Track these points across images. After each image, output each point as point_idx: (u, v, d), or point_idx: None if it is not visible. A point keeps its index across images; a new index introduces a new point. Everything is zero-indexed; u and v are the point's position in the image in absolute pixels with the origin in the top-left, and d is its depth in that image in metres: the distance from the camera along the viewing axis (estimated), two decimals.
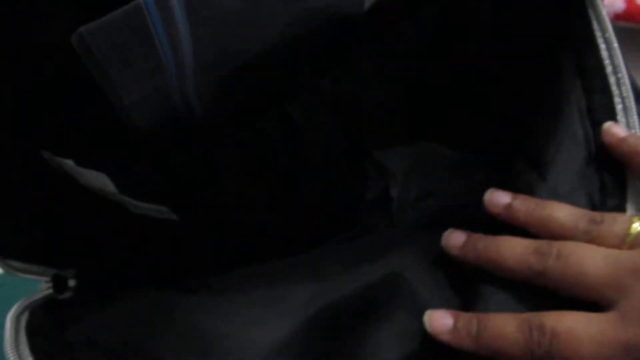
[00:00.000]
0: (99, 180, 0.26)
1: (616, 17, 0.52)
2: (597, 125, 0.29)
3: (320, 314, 0.26)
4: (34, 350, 0.23)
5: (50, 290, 0.28)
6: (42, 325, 0.25)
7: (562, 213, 0.25)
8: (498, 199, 0.28)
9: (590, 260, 0.22)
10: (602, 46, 0.30)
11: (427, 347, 0.25)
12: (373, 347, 0.25)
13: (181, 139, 0.28)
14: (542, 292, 0.24)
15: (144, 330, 0.25)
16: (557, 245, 0.24)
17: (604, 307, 0.22)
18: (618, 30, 0.32)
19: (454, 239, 0.28)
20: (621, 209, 0.26)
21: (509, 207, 0.27)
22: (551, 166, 0.29)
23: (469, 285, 0.29)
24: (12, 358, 0.22)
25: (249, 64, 0.27)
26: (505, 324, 0.23)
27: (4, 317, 0.25)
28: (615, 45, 0.29)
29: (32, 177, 0.26)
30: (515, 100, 0.34)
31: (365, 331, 0.26)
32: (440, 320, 0.24)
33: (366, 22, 0.29)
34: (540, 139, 0.31)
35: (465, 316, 0.24)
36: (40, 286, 0.28)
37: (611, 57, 0.30)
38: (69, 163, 0.25)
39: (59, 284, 0.28)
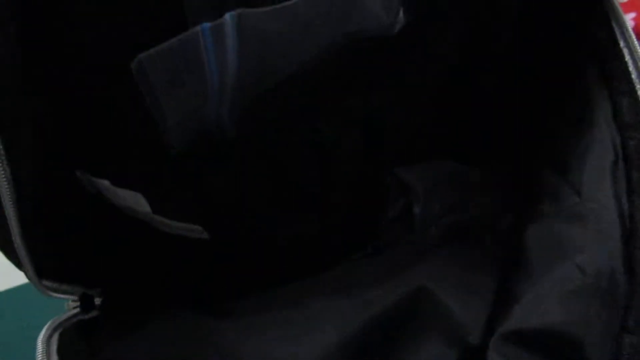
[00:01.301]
0: (133, 200, 0.26)
1: None
2: (623, 127, 0.30)
3: (355, 333, 0.26)
4: None
5: (78, 310, 0.28)
6: (73, 349, 0.25)
7: None
8: None
9: None
10: (626, 50, 0.31)
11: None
12: None
13: (213, 159, 0.28)
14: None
15: (177, 354, 0.25)
16: None
17: None
18: None
19: None
20: None
21: None
22: (577, 170, 0.30)
23: (500, 295, 0.29)
24: None
25: (284, 82, 0.27)
26: None
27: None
28: (638, 50, 0.30)
29: (66, 197, 0.25)
30: (541, 111, 0.35)
31: (400, 347, 0.26)
32: None
33: (395, 44, 0.30)
34: (566, 145, 0.31)
35: None
36: (67, 305, 0.28)
37: (635, 62, 0.31)
38: (105, 183, 0.25)
39: (86, 302, 0.28)
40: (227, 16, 0.19)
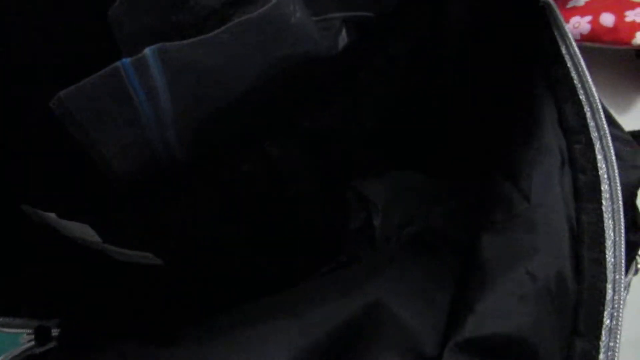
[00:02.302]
0: (82, 231, 0.26)
1: (583, 38, 0.54)
2: (568, 132, 0.30)
3: (305, 354, 0.27)
4: None
5: (32, 343, 0.28)
6: None
7: None
8: None
9: None
10: (567, 57, 0.32)
11: None
12: None
13: (163, 184, 0.28)
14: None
15: None
16: None
17: None
18: (585, 51, 0.33)
19: None
20: (598, 211, 0.27)
21: None
22: (526, 176, 0.31)
23: (455, 305, 0.29)
24: None
25: (227, 108, 0.27)
26: None
27: None
28: (579, 56, 0.31)
29: (13, 230, 0.25)
30: (489, 118, 0.35)
31: None
32: None
33: (340, 60, 0.30)
34: (515, 151, 0.32)
35: None
36: (22, 338, 0.28)
37: (576, 67, 0.31)
38: (51, 216, 0.25)
39: (41, 335, 0.28)
40: (147, 50, 0.20)
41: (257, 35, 0.23)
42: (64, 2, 0.20)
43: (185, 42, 0.21)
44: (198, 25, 0.24)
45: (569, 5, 0.58)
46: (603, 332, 0.26)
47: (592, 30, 0.53)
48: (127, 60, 0.20)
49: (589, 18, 0.54)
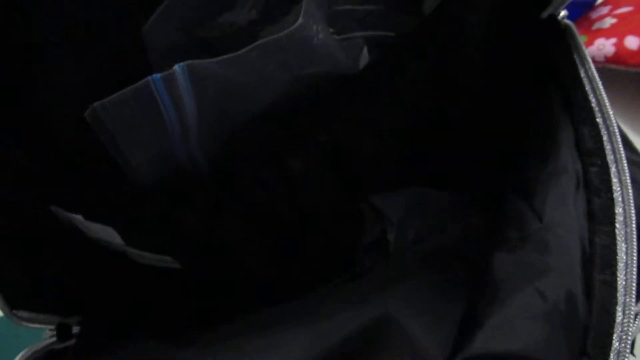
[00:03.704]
0: (106, 233, 0.27)
1: (607, 60, 0.54)
2: (584, 154, 0.30)
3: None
4: None
5: (54, 339, 0.29)
6: None
7: None
8: None
9: None
10: (585, 80, 0.32)
11: None
12: None
13: (186, 192, 0.29)
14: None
15: None
16: None
17: None
18: (609, 73, 0.33)
19: None
20: (611, 234, 0.27)
21: None
22: (540, 196, 0.31)
23: (464, 321, 0.30)
24: None
25: (250, 121, 0.28)
26: None
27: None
28: (598, 80, 0.31)
29: (40, 230, 0.27)
30: (506, 138, 0.36)
31: None
32: None
33: (360, 78, 0.31)
34: (531, 171, 0.32)
35: None
36: (45, 334, 0.29)
37: (594, 90, 0.32)
38: (78, 217, 0.26)
39: (62, 332, 0.29)
40: (177, 67, 0.21)
41: (283, 54, 0.24)
42: (98, 20, 0.22)
43: (214, 59, 0.22)
44: (226, 42, 0.25)
45: (594, 27, 0.58)
46: (612, 355, 0.26)
47: (617, 52, 0.53)
48: (157, 76, 0.21)
49: (613, 40, 0.54)
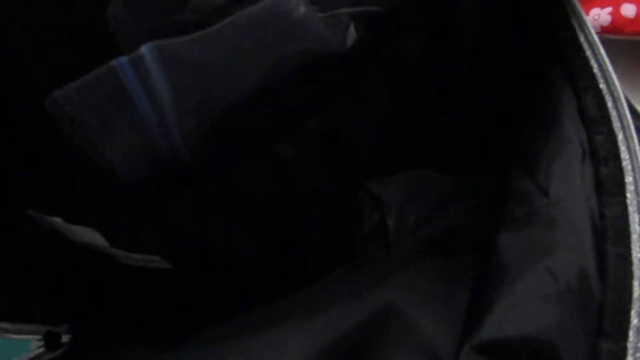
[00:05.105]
0: (89, 235, 0.26)
1: (603, 30, 0.52)
2: (588, 123, 0.29)
3: (317, 357, 0.26)
4: None
5: (42, 350, 0.28)
6: None
7: None
8: None
9: None
10: (585, 45, 0.31)
11: None
12: None
13: (170, 187, 0.28)
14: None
15: None
16: None
17: None
18: (606, 42, 0.32)
19: None
20: (622, 204, 0.26)
21: None
22: (545, 171, 0.30)
23: (472, 306, 0.28)
24: None
25: (233, 107, 0.27)
26: None
27: None
28: (599, 44, 0.30)
29: (20, 236, 0.25)
30: (506, 112, 0.34)
31: None
32: None
33: (349, 59, 0.29)
34: (533, 144, 0.31)
35: None
36: (32, 345, 0.28)
37: (595, 56, 0.30)
38: (58, 220, 0.25)
39: (51, 341, 0.28)
40: (144, 48, 0.19)
41: (259, 30, 0.22)
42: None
43: (184, 38, 0.20)
44: (201, 24, 0.24)
45: None
46: (630, 333, 0.24)
47: (613, 21, 0.52)
48: (123, 59, 0.19)
49: (609, 9, 0.53)
